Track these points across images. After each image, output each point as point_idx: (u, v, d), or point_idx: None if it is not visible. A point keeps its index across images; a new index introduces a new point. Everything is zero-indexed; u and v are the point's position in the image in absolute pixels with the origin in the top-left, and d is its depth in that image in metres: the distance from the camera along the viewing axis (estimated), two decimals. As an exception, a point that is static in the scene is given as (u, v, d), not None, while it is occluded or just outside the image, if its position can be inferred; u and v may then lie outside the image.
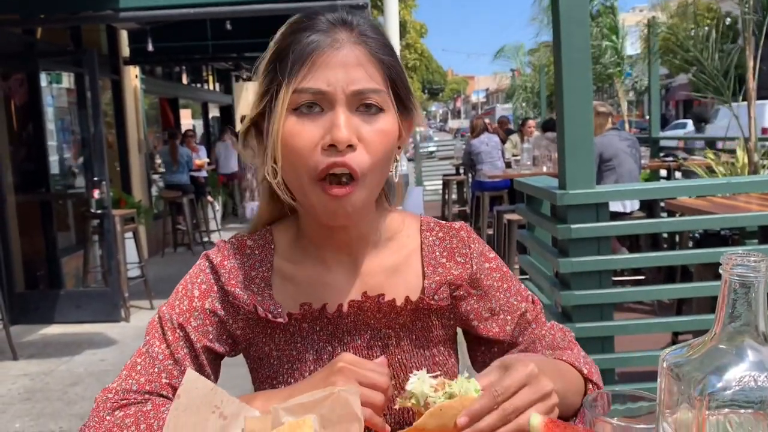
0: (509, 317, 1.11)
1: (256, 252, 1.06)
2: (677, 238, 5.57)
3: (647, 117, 11.48)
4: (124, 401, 0.96)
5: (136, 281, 6.47)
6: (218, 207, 10.73)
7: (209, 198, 10.15)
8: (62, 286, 6.41)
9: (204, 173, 9.89)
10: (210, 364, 1.03)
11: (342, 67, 0.91)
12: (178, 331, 1.02)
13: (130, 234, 6.42)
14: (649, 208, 5.68)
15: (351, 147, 0.91)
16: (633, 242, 5.76)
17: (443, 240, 1.11)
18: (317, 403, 0.85)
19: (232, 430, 0.83)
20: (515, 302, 1.12)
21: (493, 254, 1.14)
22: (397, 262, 1.08)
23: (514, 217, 5.65)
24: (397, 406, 0.87)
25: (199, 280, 1.05)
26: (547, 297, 3.11)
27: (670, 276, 5.04)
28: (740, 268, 0.57)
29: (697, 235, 4.38)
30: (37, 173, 6.45)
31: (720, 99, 5.79)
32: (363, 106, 0.93)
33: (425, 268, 1.08)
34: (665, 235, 5.85)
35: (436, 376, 0.85)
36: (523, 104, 18.33)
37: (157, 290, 6.31)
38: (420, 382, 0.83)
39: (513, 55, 23.05)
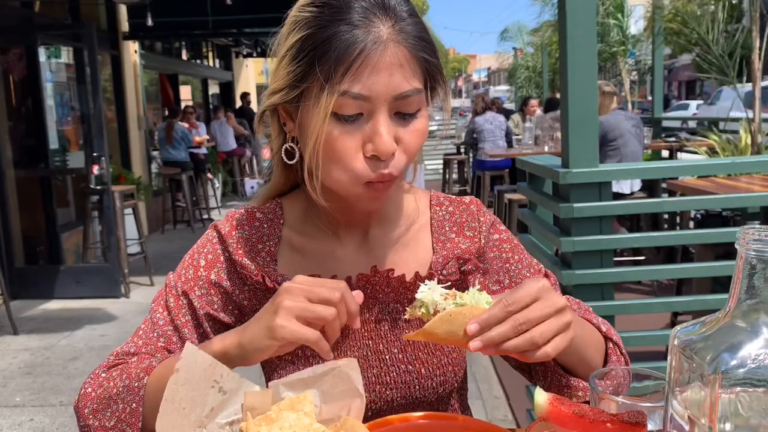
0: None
1: (265, 225, 1.06)
2: (678, 219, 5.56)
3: (649, 98, 11.40)
4: (120, 361, 0.99)
5: (136, 257, 6.47)
6: (218, 184, 10.70)
7: (209, 175, 10.12)
8: (62, 262, 6.40)
9: (204, 150, 9.84)
10: (214, 333, 1.02)
11: (387, 70, 0.87)
12: (181, 298, 1.02)
13: (129, 210, 6.41)
14: (651, 188, 5.66)
15: (392, 155, 0.90)
16: (634, 223, 5.75)
17: (453, 214, 1.10)
18: (318, 378, 0.84)
19: (231, 404, 0.82)
20: (527, 273, 1.11)
21: (503, 227, 1.14)
22: (407, 236, 1.08)
23: (515, 196, 5.63)
24: (406, 316, 0.85)
25: (206, 250, 1.05)
26: (547, 276, 3.10)
27: (670, 257, 5.04)
28: (757, 243, 0.55)
29: (698, 216, 4.36)
30: (36, 149, 6.41)
31: (724, 79, 5.74)
32: (403, 110, 0.91)
33: (434, 243, 1.08)
34: (666, 216, 5.84)
35: (448, 287, 0.83)
36: (525, 84, 18.21)
37: (156, 267, 6.31)
38: (430, 291, 0.82)
39: (516, 35, 22.85)
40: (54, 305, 5.74)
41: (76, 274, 5.97)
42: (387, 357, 1.04)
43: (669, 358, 0.64)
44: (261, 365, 1.08)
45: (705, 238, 2.94)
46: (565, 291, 2.79)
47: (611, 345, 1.03)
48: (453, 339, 0.80)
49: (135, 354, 1.00)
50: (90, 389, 0.95)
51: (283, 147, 0.98)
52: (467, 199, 1.14)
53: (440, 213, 1.11)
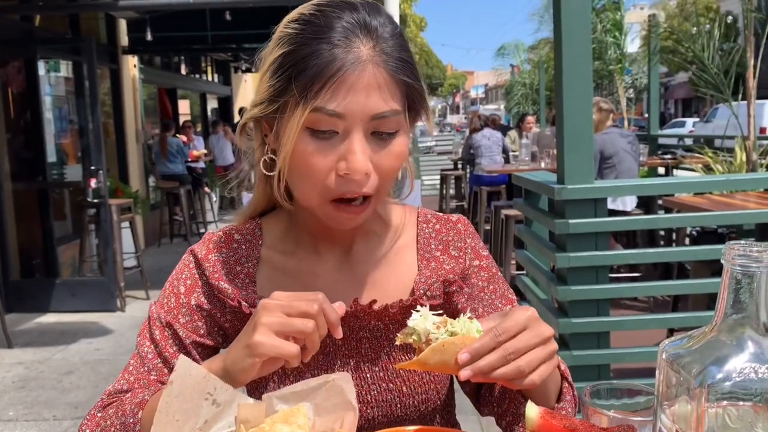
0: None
1: (243, 247, 1.05)
2: (674, 236, 5.58)
3: (645, 115, 11.47)
4: (113, 400, 0.97)
5: (132, 271, 6.46)
6: (215, 198, 10.71)
7: (206, 189, 10.13)
8: (58, 275, 6.39)
9: (201, 164, 9.86)
10: (204, 358, 1.01)
11: (364, 90, 0.87)
12: (166, 329, 1.01)
13: (126, 224, 6.40)
14: (647, 206, 5.68)
15: (366, 175, 0.90)
16: (630, 240, 5.76)
17: (439, 232, 1.10)
18: (312, 391, 0.84)
19: (225, 417, 0.82)
20: (499, 305, 1.11)
21: (486, 252, 1.13)
22: (392, 253, 1.07)
23: (512, 212, 5.64)
24: (398, 342, 0.85)
25: (184, 276, 1.04)
26: (543, 292, 3.11)
27: (666, 274, 5.05)
28: (742, 259, 0.56)
29: (694, 232, 4.38)
30: (34, 162, 6.42)
31: (720, 97, 5.79)
32: (380, 129, 0.90)
33: (419, 261, 1.07)
34: (662, 233, 5.86)
35: (439, 314, 0.84)
36: (522, 100, 18.33)
37: (153, 280, 6.30)
38: (422, 319, 0.82)
39: (513, 51, 23.03)
40: (49, 318, 5.72)
41: (72, 287, 5.96)
42: (368, 375, 1.04)
43: (657, 372, 0.64)
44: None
45: (700, 255, 2.95)
46: (560, 307, 2.80)
47: (566, 384, 1.01)
48: (444, 367, 0.82)
49: (128, 391, 0.98)
50: (88, 431, 0.94)
51: (263, 158, 0.98)
52: (455, 217, 1.13)
53: (426, 230, 1.10)
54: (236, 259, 1.04)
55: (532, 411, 0.74)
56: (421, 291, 1.04)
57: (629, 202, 5.49)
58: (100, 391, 4.12)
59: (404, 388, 1.03)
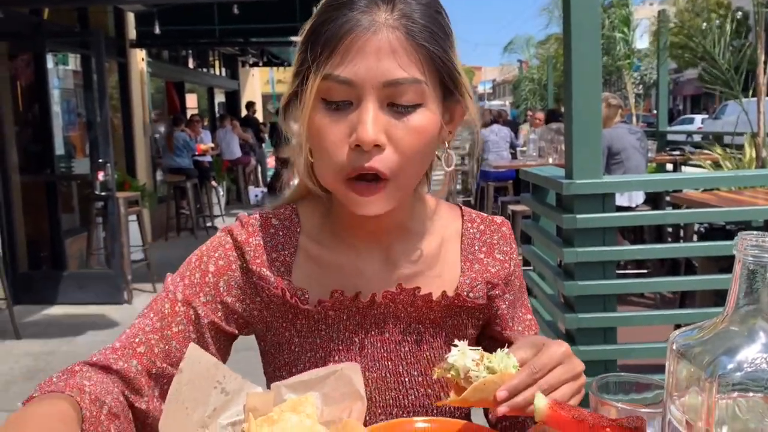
0: (521, 327, 1.10)
1: (281, 233, 0.99)
2: (681, 233, 5.56)
3: (654, 111, 11.41)
4: (91, 360, 0.89)
5: (139, 264, 6.48)
6: (222, 192, 10.74)
7: (213, 183, 10.15)
8: (65, 268, 6.42)
9: (208, 158, 9.88)
10: (216, 343, 0.97)
11: (375, 54, 0.82)
12: (179, 305, 0.95)
13: (133, 217, 6.42)
14: (654, 202, 5.65)
15: (378, 147, 0.84)
16: (637, 236, 5.74)
17: (483, 233, 1.06)
18: (320, 380, 0.85)
19: (234, 405, 0.83)
20: (520, 314, 1.11)
21: (519, 260, 1.11)
22: (433, 252, 1.03)
23: (519, 207, 5.64)
24: (435, 376, 0.85)
25: (217, 255, 0.98)
26: (550, 287, 3.10)
27: (673, 271, 5.03)
28: (755, 249, 0.56)
29: (702, 229, 4.36)
30: (42, 154, 6.45)
31: (730, 93, 5.76)
32: (396, 100, 0.84)
33: (462, 263, 1.04)
34: (670, 230, 5.84)
35: (476, 350, 0.84)
36: (529, 96, 18.30)
37: (160, 274, 6.31)
38: (461, 355, 0.82)
39: (522, 47, 22.96)
40: (57, 311, 5.75)
41: (79, 279, 5.98)
42: (406, 379, 1.01)
43: (667, 363, 0.64)
44: (267, 372, 1.05)
45: (708, 251, 2.94)
46: (567, 302, 2.80)
47: None
48: (482, 403, 0.83)
49: (104, 355, 0.90)
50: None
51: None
52: (499, 219, 1.09)
53: (471, 230, 1.06)
54: (273, 245, 0.98)
55: (541, 402, 0.74)
56: (465, 292, 1.01)
57: (636, 199, 5.47)
58: (108, 383, 4.14)
59: (442, 395, 1.01)
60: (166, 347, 0.92)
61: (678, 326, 3.52)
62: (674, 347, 0.62)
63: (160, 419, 0.75)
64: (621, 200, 5.25)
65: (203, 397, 0.80)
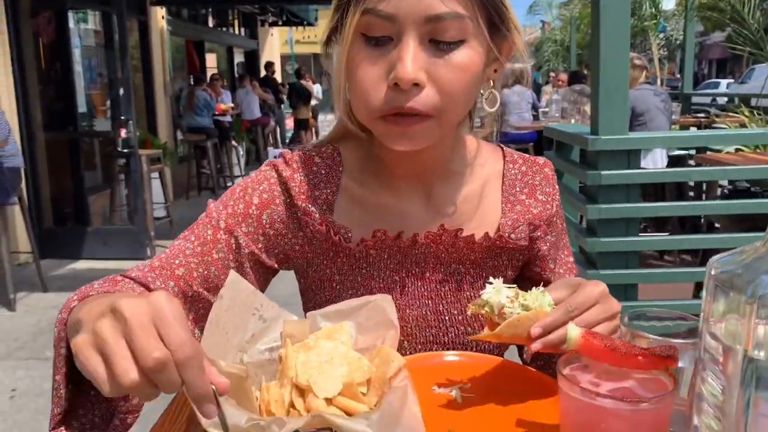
0: (561, 270, 1.10)
1: (323, 171, 0.99)
2: (704, 198, 5.50)
3: (678, 75, 11.18)
4: (130, 274, 0.92)
5: (161, 221, 6.56)
6: (242, 152, 10.77)
7: (233, 143, 10.18)
8: (89, 224, 6.52)
9: (228, 118, 9.89)
10: (254, 274, 0.98)
11: None
12: (221, 233, 0.96)
13: (156, 174, 6.48)
14: (677, 166, 5.58)
15: (417, 86, 0.82)
16: (659, 198, 5.69)
17: (526, 174, 1.05)
18: (354, 311, 0.86)
19: (271, 332, 0.85)
20: (563, 255, 1.11)
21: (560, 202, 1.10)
22: (475, 194, 1.03)
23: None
24: (469, 312, 0.86)
25: (261, 188, 0.98)
26: (571, 244, 3.10)
27: (695, 232, 4.99)
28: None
29: (725, 191, 4.31)
30: (65, 112, 6.49)
31: (759, 54, 5.63)
32: (438, 37, 0.82)
33: (504, 204, 1.03)
34: (691, 195, 5.78)
35: (511, 287, 0.85)
36: (552, 57, 18.02)
37: (182, 231, 6.38)
38: (496, 292, 0.83)
39: (545, 8, 22.51)
40: (81, 265, 5.86)
41: (103, 235, 6.08)
42: (447, 318, 1.02)
43: (704, 289, 0.64)
44: (305, 310, 1.06)
45: (732, 209, 2.91)
46: (589, 259, 2.80)
47: None
48: (515, 339, 0.84)
49: (143, 271, 0.92)
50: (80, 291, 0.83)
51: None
52: (541, 160, 1.08)
53: (513, 171, 1.05)
54: (316, 183, 0.98)
55: (574, 331, 0.75)
56: (507, 233, 1.01)
57: (660, 161, 5.40)
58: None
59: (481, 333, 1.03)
60: (205, 272, 0.94)
61: (699, 285, 3.51)
62: (713, 272, 0.62)
63: (202, 340, 0.77)
64: (644, 164, 5.19)
65: (242, 323, 0.82)
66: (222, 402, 0.61)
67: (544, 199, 1.04)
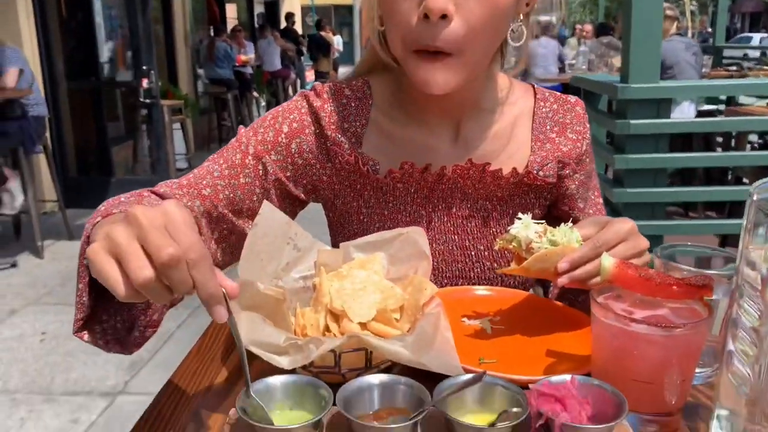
0: (591, 210, 1.10)
1: (353, 104, 1.00)
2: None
3: (709, 29, 10.84)
4: (158, 190, 0.93)
5: (183, 173, 6.58)
6: (263, 103, 10.74)
7: (254, 94, 10.14)
8: (113, 174, 6.58)
9: (249, 69, 9.83)
10: (281, 202, 1.00)
11: None
12: (249, 158, 0.97)
13: (177, 125, 6.50)
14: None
15: (446, 18, 0.83)
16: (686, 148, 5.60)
17: (557, 113, 1.05)
18: (386, 242, 0.87)
19: (305, 261, 0.86)
20: (592, 196, 1.11)
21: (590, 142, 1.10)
22: (504, 131, 1.02)
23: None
24: (497, 248, 0.87)
25: (292, 117, 0.99)
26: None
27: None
28: None
29: (756, 145, 4.22)
30: (87, 62, 6.49)
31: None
32: None
33: (533, 142, 1.03)
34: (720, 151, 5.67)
35: (539, 223, 0.85)
36: (579, 9, 17.58)
37: (204, 182, 6.43)
38: (524, 227, 0.84)
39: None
40: (107, 214, 5.94)
41: (126, 186, 6.06)
42: (473, 253, 1.03)
43: (745, 216, 0.64)
44: (333, 241, 1.08)
45: (761, 161, 2.86)
46: (614, 209, 2.77)
47: None
48: (543, 274, 0.84)
49: (171, 187, 0.94)
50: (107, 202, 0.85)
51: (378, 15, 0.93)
52: (573, 98, 1.07)
53: (544, 109, 1.04)
54: (345, 115, 0.99)
55: (608, 261, 0.75)
56: (535, 170, 1.01)
57: (688, 114, 5.30)
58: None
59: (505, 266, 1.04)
60: (231, 195, 0.96)
61: (724, 237, 3.47)
62: (755, 197, 0.62)
63: (239, 265, 0.78)
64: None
65: (277, 251, 0.83)
66: (232, 306, 0.62)
67: (574, 137, 1.04)
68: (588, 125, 1.07)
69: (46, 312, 3.82)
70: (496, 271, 1.01)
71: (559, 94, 1.08)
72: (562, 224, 0.85)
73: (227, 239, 0.98)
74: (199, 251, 0.59)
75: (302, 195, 1.02)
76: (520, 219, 0.85)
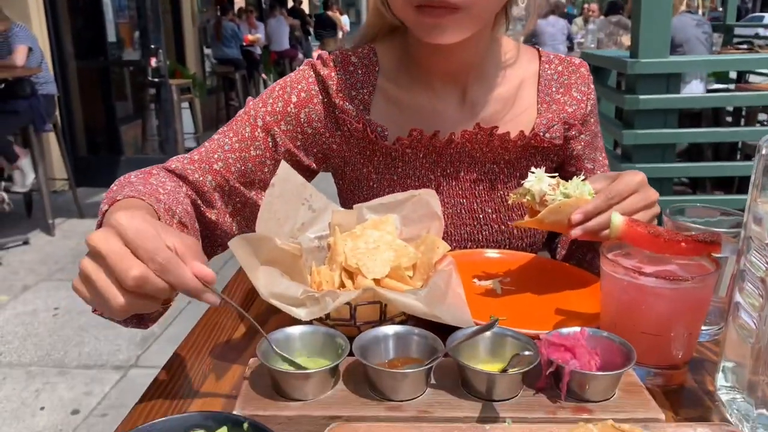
0: (599, 171, 1.11)
1: (360, 71, 1.01)
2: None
3: (720, 9, 10.70)
4: (169, 166, 0.96)
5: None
6: (271, 83, 10.72)
7: (263, 75, 10.12)
8: (122, 153, 6.60)
9: (258, 49, 9.80)
10: None
11: None
12: (259, 131, 0.99)
13: (186, 104, 6.50)
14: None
15: None
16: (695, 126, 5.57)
17: (561, 75, 1.06)
18: (398, 204, 0.89)
19: (319, 222, 0.88)
20: (600, 157, 1.12)
21: (596, 103, 1.12)
22: (510, 94, 1.04)
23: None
24: (510, 202, 0.89)
25: (299, 87, 1.00)
26: (604, 173, 3.08)
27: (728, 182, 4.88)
28: None
29: (766, 122, 4.20)
30: (95, 42, 6.49)
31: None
32: None
33: (539, 104, 1.05)
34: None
35: (552, 176, 0.86)
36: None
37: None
38: (538, 180, 0.85)
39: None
40: (116, 193, 5.97)
41: (135, 164, 6.01)
42: (481, 216, 1.05)
43: (754, 167, 0.65)
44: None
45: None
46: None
47: None
48: (556, 226, 0.85)
49: (183, 162, 0.96)
50: (122, 178, 0.89)
51: None
52: (577, 60, 1.09)
53: (549, 71, 1.06)
54: (352, 83, 1.00)
55: (617, 219, 0.77)
56: (542, 132, 1.02)
57: (697, 92, 5.26)
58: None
59: (515, 231, 1.06)
60: (242, 168, 0.98)
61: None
62: (763, 151, 0.63)
63: (256, 223, 0.80)
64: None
65: (293, 211, 0.85)
66: (250, 261, 0.66)
67: (579, 97, 1.06)
68: (593, 86, 1.09)
69: (59, 288, 3.87)
70: (509, 224, 1.03)
71: (563, 56, 1.09)
72: (575, 177, 0.87)
73: (241, 212, 1.00)
74: (162, 255, 0.60)
75: (313, 164, 1.04)
76: (533, 173, 0.87)
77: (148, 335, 3.22)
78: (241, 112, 1.02)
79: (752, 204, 0.66)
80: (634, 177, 0.85)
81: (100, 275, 0.60)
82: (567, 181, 0.87)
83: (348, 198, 1.09)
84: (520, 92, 1.05)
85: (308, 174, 1.05)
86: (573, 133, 1.05)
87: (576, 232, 0.82)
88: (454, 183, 1.04)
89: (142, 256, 0.60)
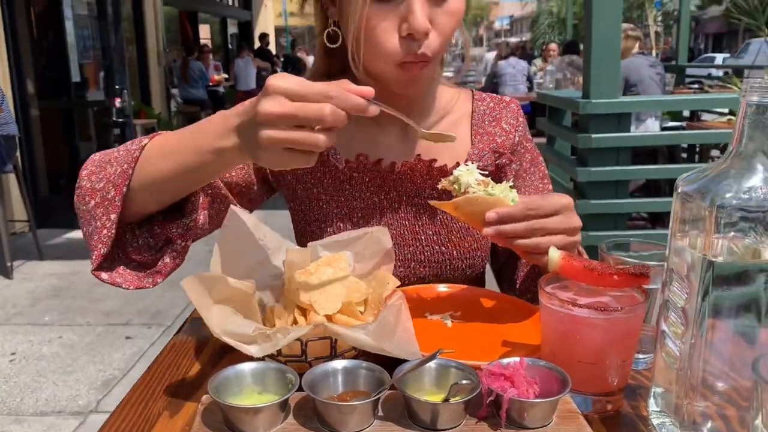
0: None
1: None
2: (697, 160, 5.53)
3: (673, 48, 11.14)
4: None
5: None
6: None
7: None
8: (85, 194, 6.52)
9: (221, 89, 9.87)
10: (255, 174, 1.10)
11: None
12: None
13: (151, 144, 6.47)
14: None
15: (426, 35, 0.94)
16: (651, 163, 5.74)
17: (493, 110, 1.17)
18: (352, 241, 0.92)
19: (274, 260, 0.90)
20: (540, 185, 1.19)
21: (531, 138, 1.22)
22: (447, 129, 1.14)
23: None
24: (440, 186, 0.93)
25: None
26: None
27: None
28: (757, 93, 0.61)
29: (719, 158, 4.36)
30: (58, 82, 6.47)
31: (753, 24, 5.66)
32: None
33: (473, 136, 1.15)
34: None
35: (485, 175, 0.91)
36: (548, 30, 17.97)
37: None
38: (468, 172, 0.90)
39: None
40: (77, 235, 5.88)
41: (99, 205, 6.07)
42: (422, 237, 1.12)
43: (672, 206, 0.70)
44: (297, 231, 1.18)
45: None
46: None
47: None
48: (472, 220, 0.89)
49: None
50: (97, 156, 0.95)
51: (326, 31, 1.03)
52: (508, 98, 1.21)
53: (481, 107, 1.17)
54: None
55: (555, 253, 0.81)
56: (474, 160, 1.11)
57: (652, 131, 5.45)
58: (129, 301, 4.30)
59: (455, 252, 1.12)
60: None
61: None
62: (680, 189, 0.68)
63: (212, 261, 0.82)
64: (635, 132, 5.23)
65: (246, 251, 0.88)
66: (203, 301, 0.71)
67: (508, 128, 1.16)
68: (522, 119, 1.19)
69: (16, 332, 3.78)
70: (429, 202, 1.07)
71: (495, 95, 1.21)
72: (504, 182, 0.91)
73: (212, 205, 1.03)
74: (332, 90, 0.74)
75: (270, 177, 1.13)
76: (466, 165, 0.91)
77: (110, 379, 3.16)
78: None
79: (672, 238, 0.71)
80: (560, 199, 0.89)
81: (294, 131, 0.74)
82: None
83: (300, 218, 1.17)
84: (456, 126, 1.15)
85: (266, 190, 1.15)
86: (504, 161, 1.15)
87: (488, 231, 0.86)
88: (397, 206, 1.12)
89: (318, 98, 0.73)
